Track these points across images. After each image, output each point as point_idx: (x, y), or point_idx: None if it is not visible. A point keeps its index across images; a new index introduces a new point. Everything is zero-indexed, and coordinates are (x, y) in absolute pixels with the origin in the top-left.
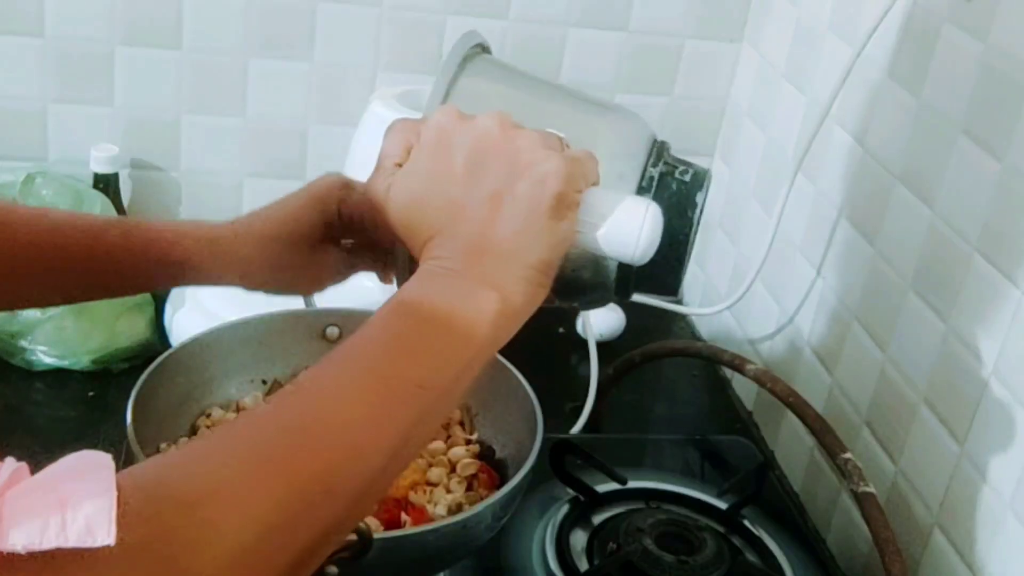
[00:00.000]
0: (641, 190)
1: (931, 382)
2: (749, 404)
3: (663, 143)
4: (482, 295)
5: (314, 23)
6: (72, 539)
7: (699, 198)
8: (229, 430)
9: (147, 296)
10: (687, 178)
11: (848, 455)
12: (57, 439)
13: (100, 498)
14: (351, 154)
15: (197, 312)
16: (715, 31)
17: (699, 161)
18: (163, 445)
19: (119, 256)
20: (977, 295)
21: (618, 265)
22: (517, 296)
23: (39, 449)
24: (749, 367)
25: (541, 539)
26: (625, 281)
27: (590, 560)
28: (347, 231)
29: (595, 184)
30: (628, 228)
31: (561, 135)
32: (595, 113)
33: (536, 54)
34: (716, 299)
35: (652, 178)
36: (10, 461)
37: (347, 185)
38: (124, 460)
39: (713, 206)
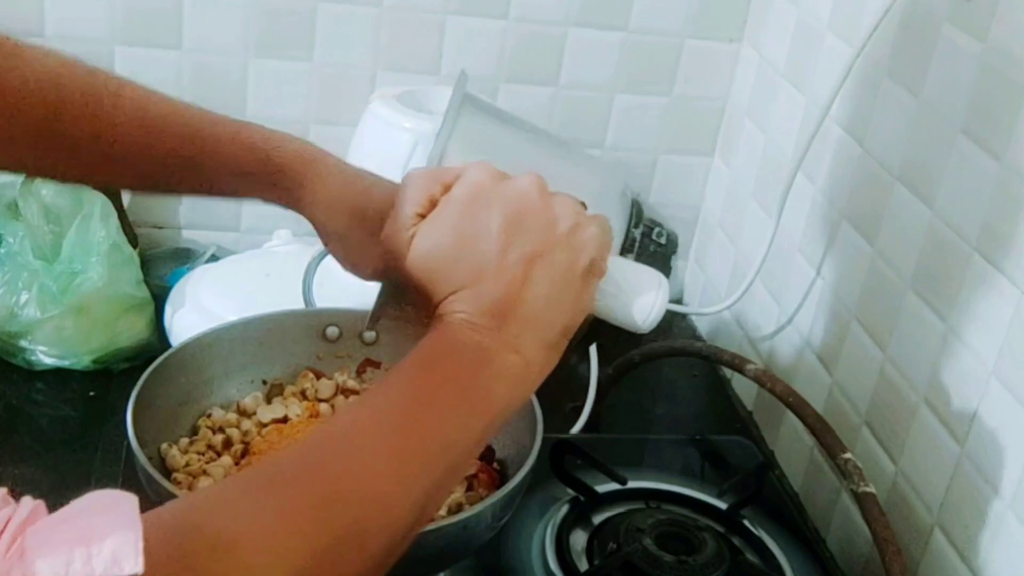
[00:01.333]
0: (624, 251)
1: (931, 382)
2: (749, 404)
3: (637, 201)
4: (503, 358)
5: (314, 23)
6: (99, 570)
7: (673, 262)
8: (258, 476)
9: (147, 296)
10: (663, 240)
11: (848, 455)
12: (58, 439)
13: (125, 529)
14: (351, 154)
15: (197, 312)
16: (715, 31)
17: (699, 161)
18: (163, 445)
19: (222, 157)
20: (977, 295)
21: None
22: (537, 360)
23: (40, 449)
24: (749, 367)
25: (541, 539)
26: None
27: (590, 560)
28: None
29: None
30: (642, 302)
31: (582, 200)
32: (575, 162)
33: (536, 53)
34: (716, 299)
35: (634, 240)
36: (27, 500)
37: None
38: (124, 460)
39: (713, 206)
